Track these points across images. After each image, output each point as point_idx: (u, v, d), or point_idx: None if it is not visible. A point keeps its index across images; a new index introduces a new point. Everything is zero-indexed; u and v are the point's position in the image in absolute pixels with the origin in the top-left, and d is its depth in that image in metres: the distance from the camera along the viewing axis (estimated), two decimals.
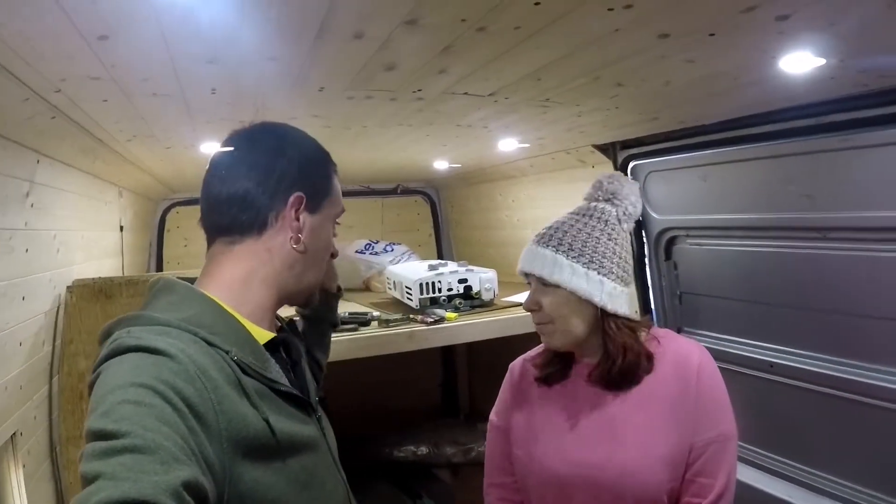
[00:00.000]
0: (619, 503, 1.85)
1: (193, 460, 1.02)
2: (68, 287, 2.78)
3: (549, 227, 2.03)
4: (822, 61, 1.69)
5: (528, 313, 2.04)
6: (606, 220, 1.97)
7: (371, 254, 4.83)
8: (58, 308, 2.74)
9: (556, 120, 2.60)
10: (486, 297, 3.55)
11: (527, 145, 3.36)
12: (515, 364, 2.28)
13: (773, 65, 1.74)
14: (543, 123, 2.68)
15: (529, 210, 4.54)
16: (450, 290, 3.51)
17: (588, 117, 2.54)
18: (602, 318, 1.93)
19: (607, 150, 3.32)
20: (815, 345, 2.58)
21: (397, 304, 3.79)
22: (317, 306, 2.24)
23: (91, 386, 1.15)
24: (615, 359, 1.92)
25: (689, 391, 1.83)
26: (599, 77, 1.91)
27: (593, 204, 2.03)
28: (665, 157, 3.05)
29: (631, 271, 1.98)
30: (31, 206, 2.30)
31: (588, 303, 1.92)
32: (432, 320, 3.20)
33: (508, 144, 3.29)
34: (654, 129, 2.87)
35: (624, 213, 1.97)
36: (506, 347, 3.50)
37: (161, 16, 1.27)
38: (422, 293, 3.47)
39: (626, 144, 3.21)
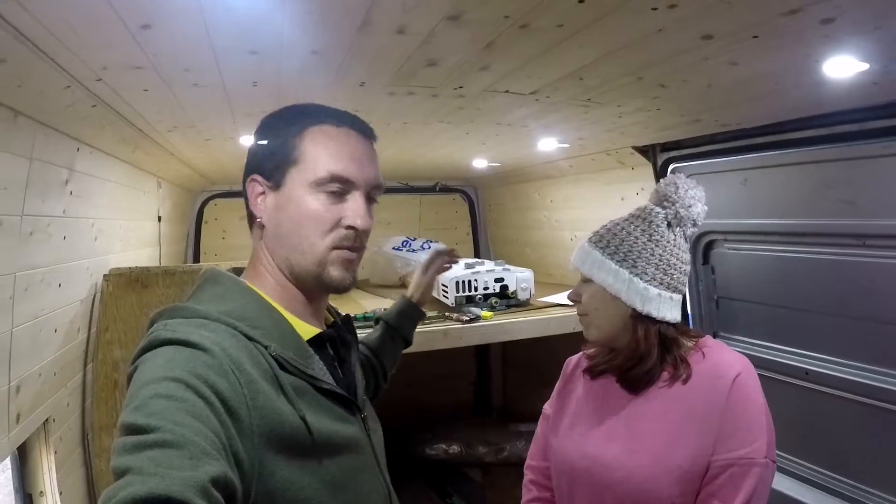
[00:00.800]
0: None
1: (223, 455, 1.02)
2: (105, 275, 2.81)
3: (602, 226, 2.02)
4: (865, 66, 1.67)
5: (565, 314, 2.05)
6: (651, 222, 1.93)
7: (408, 251, 4.82)
8: (94, 296, 2.77)
9: (596, 120, 2.58)
10: (521, 296, 3.54)
11: (566, 145, 3.35)
12: (572, 358, 2.26)
13: (816, 69, 1.72)
14: (584, 123, 2.66)
15: (567, 211, 4.53)
16: (486, 288, 3.51)
17: (629, 118, 2.52)
18: (634, 318, 1.92)
19: (647, 152, 3.30)
20: (852, 353, 2.54)
21: (433, 302, 3.75)
22: (402, 320, 2.29)
23: (129, 378, 1.15)
24: (629, 361, 1.92)
25: (718, 405, 1.76)
26: (642, 77, 1.90)
27: (646, 205, 2.01)
28: (705, 160, 3.03)
29: (679, 277, 1.92)
30: (71, 193, 2.32)
31: (619, 300, 1.91)
32: (467, 318, 3.20)
33: (548, 144, 3.28)
34: (696, 132, 2.85)
35: (674, 217, 1.93)
36: (541, 348, 3.49)
37: (204, 5, 1.26)
38: (458, 291, 3.46)
39: (666, 147, 3.19)
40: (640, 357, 1.89)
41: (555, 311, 3.45)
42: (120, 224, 3.13)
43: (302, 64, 1.71)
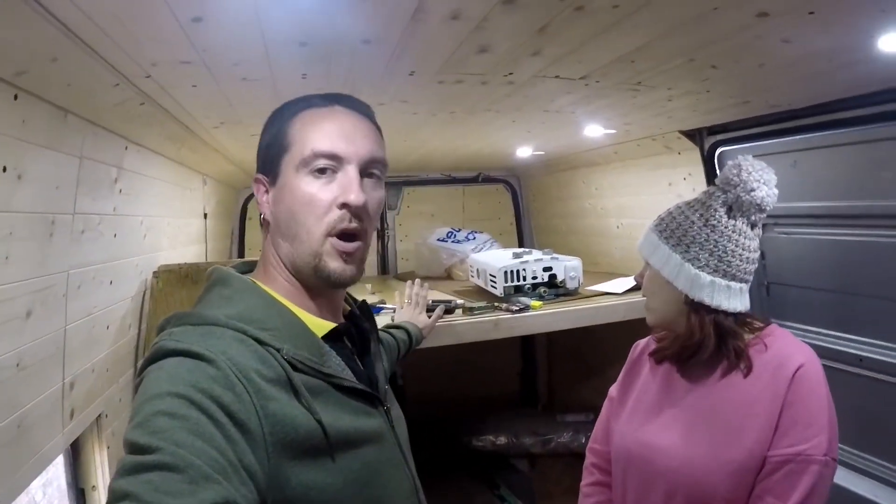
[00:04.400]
0: (670, 497, 1.80)
1: (230, 473, 1.00)
2: (154, 272, 2.84)
3: (667, 210, 1.99)
4: None
5: (613, 303, 2.02)
6: (709, 206, 1.88)
7: (453, 242, 4.83)
8: (144, 292, 2.79)
9: (644, 105, 2.56)
10: (570, 285, 3.49)
11: (612, 131, 3.32)
12: (640, 342, 2.24)
13: (870, 44, 1.69)
14: (632, 108, 2.64)
15: (613, 198, 4.49)
16: (534, 278, 3.46)
17: (677, 101, 2.49)
18: (688, 304, 1.88)
19: (694, 136, 3.27)
20: None
21: (480, 293, 3.76)
22: (416, 343, 2.40)
23: (136, 389, 1.14)
24: (686, 350, 1.88)
25: (776, 398, 1.71)
26: (694, 59, 1.87)
27: (709, 189, 1.96)
28: (753, 143, 2.98)
29: (739, 265, 1.85)
30: (120, 191, 2.35)
31: (672, 285, 1.88)
32: (517, 308, 3.16)
33: (594, 131, 3.25)
34: (744, 114, 2.81)
35: (735, 201, 1.89)
36: (586, 337, 3.46)
37: None
38: (506, 281, 3.42)
39: (713, 130, 3.16)
40: (696, 345, 1.85)
41: (604, 300, 3.40)
42: (168, 221, 3.16)
43: (353, 54, 1.70)
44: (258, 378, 1.14)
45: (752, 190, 1.84)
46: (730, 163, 1.92)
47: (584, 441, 2.27)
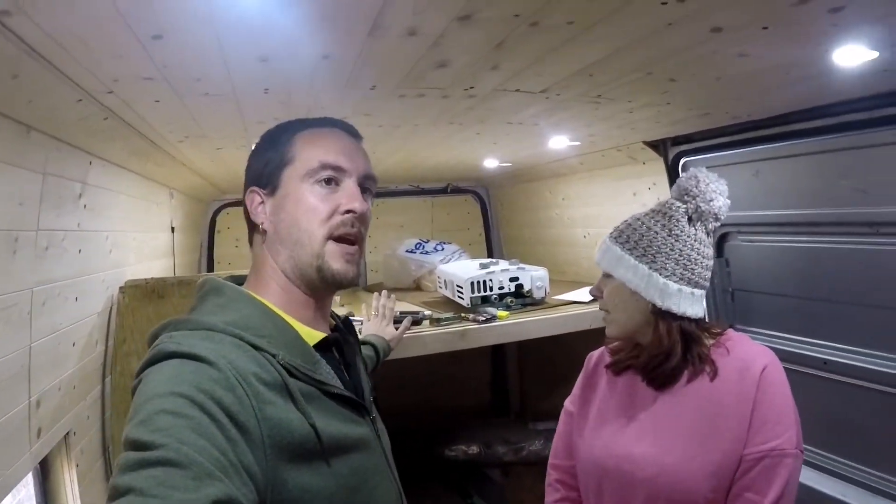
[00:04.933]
0: None
1: (231, 472, 1.02)
2: (121, 288, 2.82)
3: (623, 221, 2.02)
4: (875, 54, 1.67)
5: (581, 311, 2.02)
6: (671, 216, 1.91)
7: (421, 253, 4.83)
8: (111, 308, 2.77)
9: (607, 116, 2.58)
10: (537, 295, 3.51)
11: (577, 143, 3.34)
12: (594, 353, 2.25)
13: (825, 58, 1.72)
14: (595, 120, 2.66)
15: (580, 208, 4.52)
16: (501, 288, 3.47)
17: (639, 113, 2.52)
18: (654, 314, 1.90)
19: (658, 146, 3.30)
20: (869, 341, 2.54)
21: (448, 303, 3.77)
22: (384, 356, 2.46)
23: (134, 391, 1.15)
24: (655, 359, 1.90)
25: (746, 399, 1.75)
26: (652, 72, 1.89)
27: (667, 200, 1.99)
28: (716, 153, 3.03)
29: (700, 272, 1.90)
30: (84, 207, 2.33)
31: (638, 296, 1.90)
32: (484, 319, 3.17)
33: (559, 142, 3.27)
34: (706, 125, 2.85)
35: (695, 211, 1.92)
36: (557, 345, 3.47)
37: (215, 13, 1.27)
38: (473, 292, 3.43)
39: (676, 141, 3.19)
40: (665, 354, 1.87)
41: (570, 309, 3.43)
42: (134, 236, 3.13)
43: (313, 69, 1.71)
44: (257, 382, 1.17)
45: (711, 200, 1.88)
46: (684, 175, 1.95)
47: None
